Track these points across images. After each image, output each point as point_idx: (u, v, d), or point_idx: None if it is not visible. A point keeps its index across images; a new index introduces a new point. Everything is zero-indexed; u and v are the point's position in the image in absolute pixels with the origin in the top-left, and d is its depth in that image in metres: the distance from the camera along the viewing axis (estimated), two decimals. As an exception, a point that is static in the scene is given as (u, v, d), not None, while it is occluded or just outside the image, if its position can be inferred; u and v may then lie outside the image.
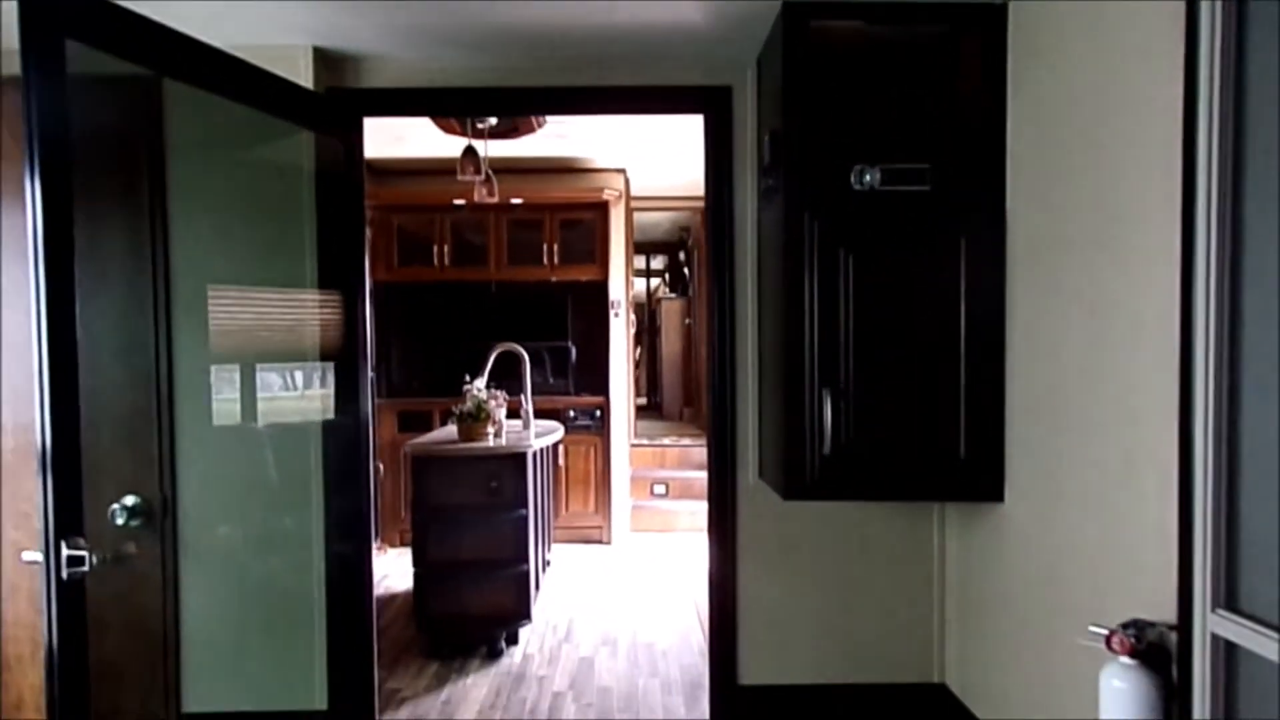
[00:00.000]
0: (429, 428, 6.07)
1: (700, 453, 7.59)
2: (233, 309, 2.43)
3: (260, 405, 2.37)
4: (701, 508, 7.31)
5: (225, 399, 2.37)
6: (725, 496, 2.29)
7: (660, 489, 7.35)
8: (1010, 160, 1.93)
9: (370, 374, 6.21)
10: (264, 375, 2.44)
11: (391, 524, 6.44)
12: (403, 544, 6.32)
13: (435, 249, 6.58)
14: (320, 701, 2.22)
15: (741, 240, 2.35)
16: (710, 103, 2.34)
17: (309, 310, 2.49)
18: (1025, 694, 1.86)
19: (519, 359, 5.03)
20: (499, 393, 4.46)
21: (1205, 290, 1.33)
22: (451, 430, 4.58)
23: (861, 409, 1.92)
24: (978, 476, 1.92)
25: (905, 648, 2.31)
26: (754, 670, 2.30)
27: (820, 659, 2.30)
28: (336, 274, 2.45)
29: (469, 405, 4.38)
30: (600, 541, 6.59)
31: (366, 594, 2.33)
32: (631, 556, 6.26)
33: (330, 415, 2.38)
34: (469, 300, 6.69)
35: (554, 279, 6.66)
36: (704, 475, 7.38)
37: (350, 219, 2.44)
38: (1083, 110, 1.63)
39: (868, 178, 1.94)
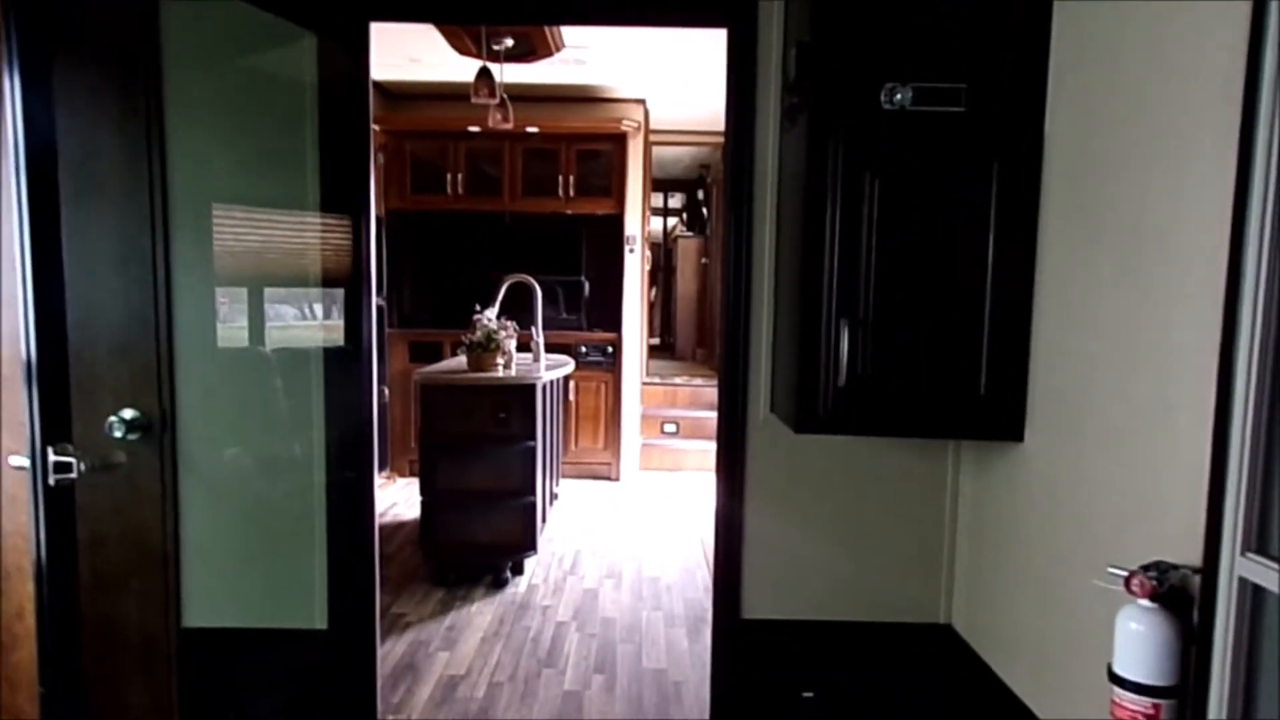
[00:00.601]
0: (439, 358, 6.04)
1: (713, 393, 7.54)
2: (237, 229, 2.36)
3: (265, 329, 2.31)
4: (712, 447, 7.31)
5: (229, 320, 2.32)
6: (735, 430, 2.23)
7: (671, 428, 7.33)
8: (1052, 80, 1.81)
9: (379, 302, 6.17)
10: (269, 298, 2.38)
11: (401, 453, 6.46)
12: (411, 474, 6.35)
13: (449, 177, 6.46)
14: (320, 621, 2.20)
15: (762, 164, 2.24)
16: (734, 14, 2.21)
17: (313, 234, 2.41)
18: (1036, 638, 1.82)
19: (530, 291, 4.95)
20: (509, 324, 4.40)
21: (1260, 218, 1.23)
22: (461, 361, 4.54)
23: (880, 341, 1.83)
24: (998, 414, 1.84)
25: (912, 588, 2.27)
26: (757, 605, 2.27)
27: (825, 596, 2.26)
28: (341, 197, 2.36)
29: (479, 335, 4.33)
30: (608, 478, 6.59)
31: (368, 519, 2.30)
32: (639, 494, 6.27)
33: (335, 342, 2.32)
34: (482, 231, 6.59)
35: (569, 212, 6.54)
36: (715, 415, 7.36)
37: (356, 138, 2.34)
38: (1136, 27, 1.51)
39: (899, 96, 1.82)
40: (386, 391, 5.09)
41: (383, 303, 6.19)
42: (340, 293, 2.48)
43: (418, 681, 3.18)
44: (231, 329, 2.36)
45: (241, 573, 2.21)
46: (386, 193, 6.31)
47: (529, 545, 4.36)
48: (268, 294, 2.43)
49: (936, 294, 1.84)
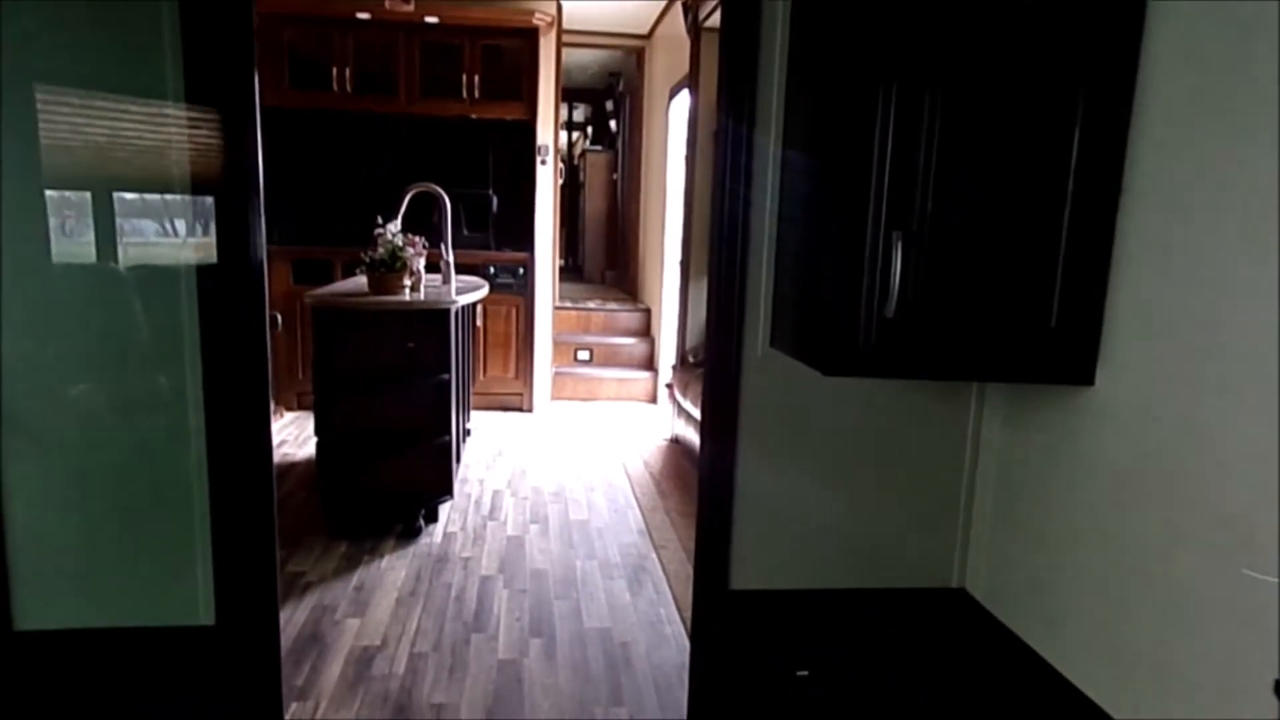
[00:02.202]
0: (329, 279, 5.38)
1: (627, 318, 7.15)
2: (73, 119, 1.77)
3: (119, 242, 1.73)
4: (627, 376, 7.03)
5: (77, 236, 1.74)
6: (728, 369, 1.83)
7: (584, 355, 6.91)
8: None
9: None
10: (122, 206, 1.79)
11: (288, 385, 5.81)
12: (301, 408, 5.73)
13: (334, 71, 5.66)
14: (205, 614, 1.72)
15: (768, 48, 1.79)
16: None
17: (176, 129, 1.82)
18: (1098, 612, 1.53)
19: (437, 203, 4.37)
20: (417, 239, 3.83)
21: None
22: (360, 281, 3.95)
23: (936, 261, 1.46)
24: (1069, 351, 1.51)
25: (922, 549, 1.97)
26: (748, 573, 1.93)
27: (823, 561, 1.94)
28: (213, 87, 1.79)
29: (382, 252, 3.75)
30: (520, 409, 6.15)
31: (264, 479, 1.81)
32: (555, 426, 5.86)
33: (211, 258, 1.77)
34: (375, 135, 5.86)
35: (474, 116, 5.88)
36: (629, 341, 7.00)
37: (231, 12, 1.75)
38: None
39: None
40: (279, 319, 4.43)
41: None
42: (209, 200, 1.92)
43: (324, 657, 2.72)
44: (79, 244, 1.79)
45: (94, 557, 1.69)
46: (261, 85, 5.46)
47: (444, 490, 3.91)
48: (127, 204, 1.85)
49: (1006, 203, 1.47)
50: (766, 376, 1.86)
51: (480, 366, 6.02)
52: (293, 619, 2.96)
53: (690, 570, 3.46)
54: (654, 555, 3.64)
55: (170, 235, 1.77)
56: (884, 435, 1.92)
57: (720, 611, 1.95)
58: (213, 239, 1.76)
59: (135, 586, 1.70)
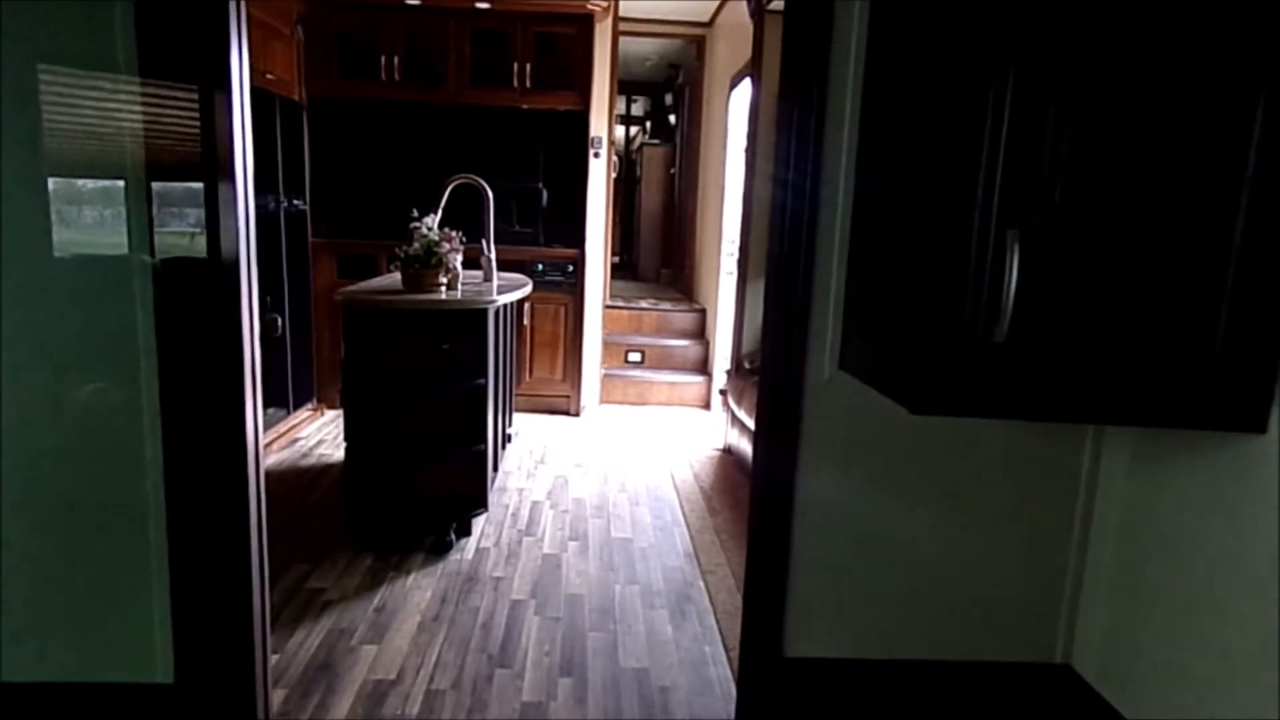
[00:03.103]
0: (374, 273, 5.20)
1: (681, 318, 6.85)
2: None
3: (52, 230, 1.50)
4: (680, 380, 6.69)
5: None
6: (785, 394, 1.52)
7: (635, 356, 6.63)
8: None
9: (300, 206, 5.26)
10: (60, 191, 1.55)
11: (331, 383, 5.64)
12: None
13: (382, 60, 5.47)
14: (162, 671, 1.47)
15: (843, 23, 1.47)
16: None
17: (128, 106, 1.57)
18: (1236, 701, 1.18)
19: (481, 196, 4.12)
20: (454, 234, 3.59)
21: None
22: (396, 278, 3.72)
23: (1061, 267, 1.13)
24: (1232, 388, 1.16)
25: (1019, 616, 1.63)
26: (807, 638, 1.61)
27: (898, 627, 1.61)
28: (179, 58, 1.54)
29: (416, 247, 3.51)
30: (567, 413, 5.89)
31: (237, 508, 1.56)
32: (603, 431, 5.59)
33: (172, 252, 1.53)
34: (423, 126, 5.66)
35: (524, 107, 5.63)
36: (683, 344, 6.67)
37: None
38: None
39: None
40: (280, 321, 4.23)
41: (305, 207, 5.28)
42: (191, 190, 1.68)
43: (334, 690, 2.49)
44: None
45: (36, 604, 1.46)
46: (308, 76, 5.32)
47: (478, 502, 3.66)
48: (70, 191, 1.61)
49: (1159, 204, 1.13)
50: (834, 405, 1.54)
51: (526, 367, 5.79)
52: (306, 643, 2.73)
53: (741, 601, 3.15)
54: (700, 582, 3.33)
55: (112, 225, 1.53)
56: (977, 479, 1.58)
57: (772, 682, 1.64)
58: (183, 229, 1.52)
59: (83, 638, 1.46)
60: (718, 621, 3.01)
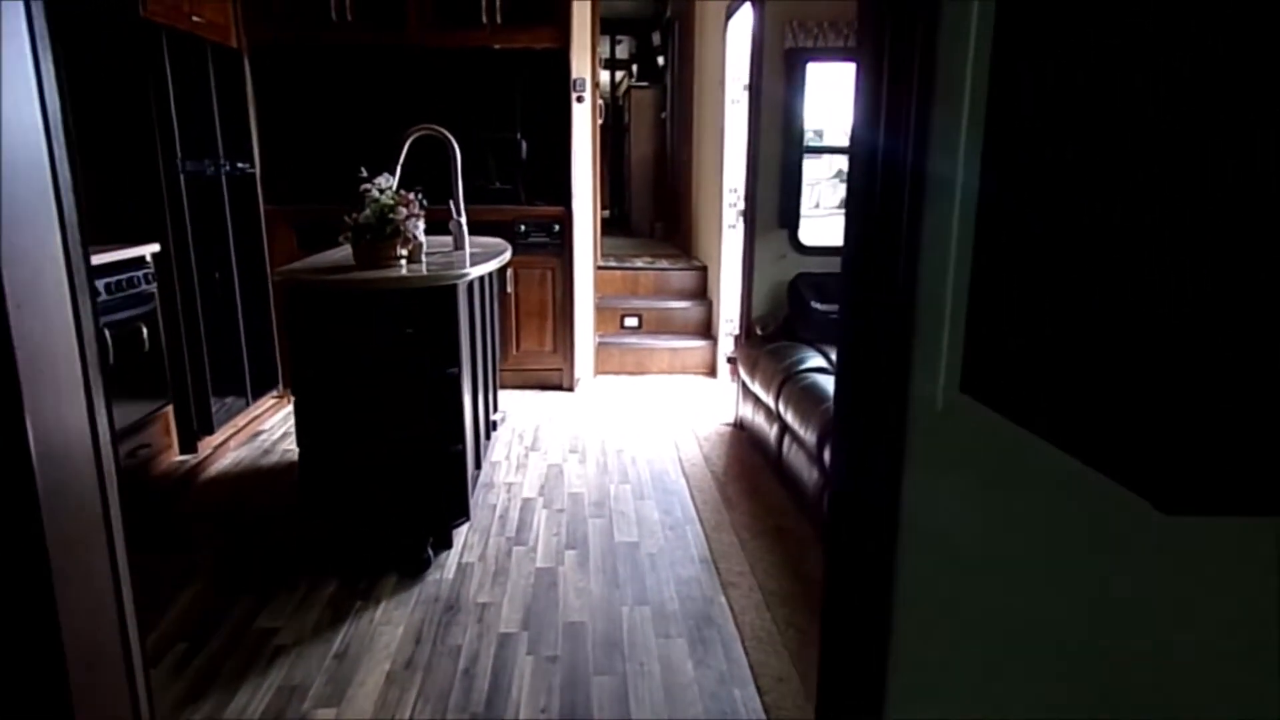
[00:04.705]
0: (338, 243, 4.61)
1: (680, 278, 6.28)
2: None
3: None
4: (682, 345, 6.12)
5: None
6: (879, 425, 0.98)
7: (632, 321, 6.08)
8: None
9: (246, 170, 4.65)
10: None
11: (296, 365, 5.09)
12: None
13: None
14: None
15: None
16: None
17: None
18: None
19: (447, 149, 3.53)
20: (412, 197, 3.01)
21: None
22: (348, 251, 3.15)
23: None
24: None
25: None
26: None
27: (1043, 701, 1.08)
28: None
29: (368, 213, 2.94)
30: (560, 387, 5.36)
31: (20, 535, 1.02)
32: (599, 407, 5.06)
33: None
34: (383, 73, 5.02)
35: (497, 46, 4.99)
36: (684, 305, 6.08)
37: None
38: None
39: None
40: (143, 333, 3.57)
41: (252, 170, 4.66)
42: None
43: (279, 778, 2.00)
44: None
45: None
46: (247, 20, 4.65)
47: (457, 511, 3.14)
48: None
49: None
50: (953, 439, 1.00)
51: (512, 340, 5.24)
52: (249, 708, 2.23)
53: (772, 624, 2.65)
54: (722, 599, 2.84)
55: None
56: (1152, 540, 1.05)
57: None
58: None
59: None
60: (746, 653, 2.51)
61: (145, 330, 3.50)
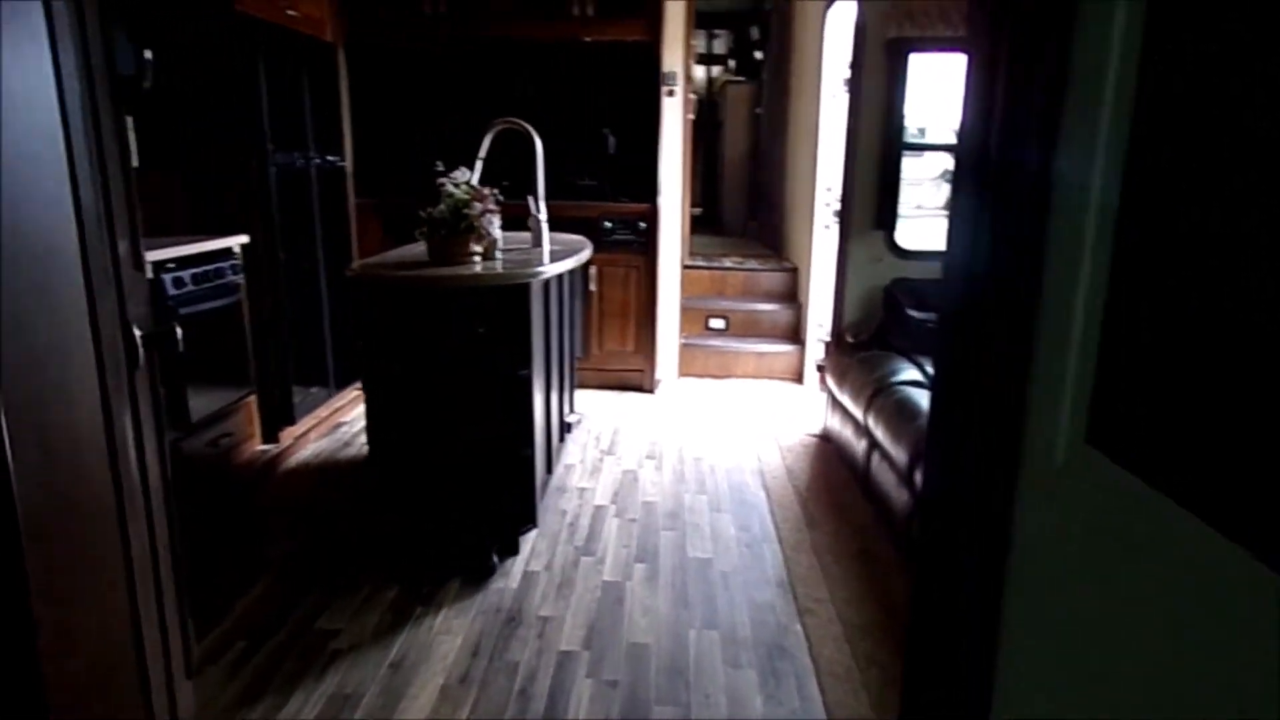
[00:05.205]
0: (420, 238, 4.60)
1: (769, 279, 6.06)
2: None
3: None
4: (769, 349, 5.88)
5: None
6: (982, 483, 0.79)
7: (718, 323, 5.89)
8: None
9: (340, 164, 4.69)
10: None
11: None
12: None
13: (425, -9, 4.79)
14: None
15: None
16: None
17: None
18: None
19: (529, 143, 3.44)
20: (489, 192, 2.92)
21: None
22: (423, 247, 3.09)
23: None
24: None
25: None
26: None
27: None
28: None
29: (442, 208, 2.86)
30: (640, 388, 5.23)
31: None
32: (680, 411, 4.91)
33: None
34: (471, 66, 4.99)
35: (586, 39, 4.88)
36: (773, 308, 5.84)
37: None
38: None
39: None
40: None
41: (343, 164, 4.69)
42: None
43: (322, 794, 1.92)
44: None
45: None
46: (340, 12, 4.68)
47: (524, 518, 3.05)
48: None
49: None
50: (1079, 496, 0.80)
51: (594, 339, 5.13)
52: (299, 718, 2.17)
53: (851, 659, 2.45)
54: (798, 627, 2.64)
55: None
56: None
57: None
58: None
59: None
60: (821, 690, 2.32)
61: (231, 320, 3.53)
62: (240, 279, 3.67)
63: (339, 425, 4.50)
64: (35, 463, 0.93)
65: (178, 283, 3.21)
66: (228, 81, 3.66)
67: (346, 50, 4.76)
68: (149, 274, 3.07)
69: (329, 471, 3.91)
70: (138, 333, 1.26)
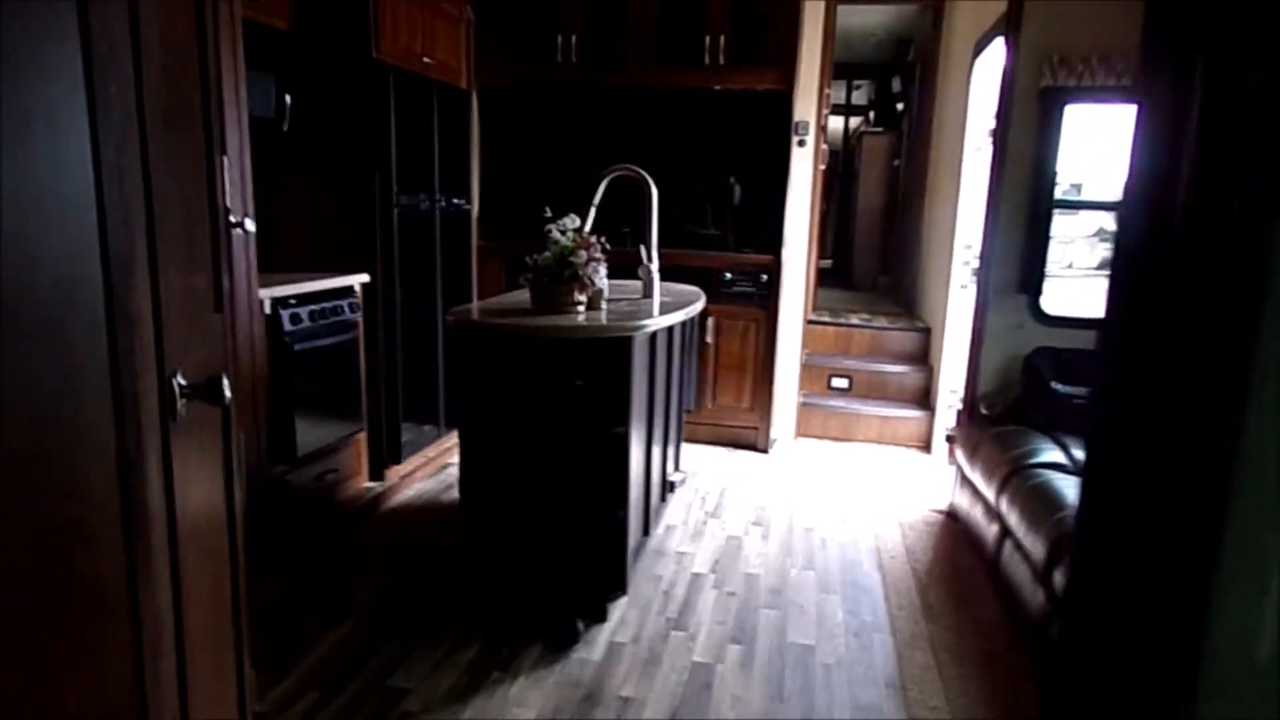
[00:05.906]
0: (537, 282, 4.58)
1: (899, 339, 5.72)
2: None
3: None
4: (894, 413, 5.47)
5: None
6: (1155, 602, 0.55)
7: (841, 382, 5.58)
8: None
9: (464, 206, 4.75)
10: None
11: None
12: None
13: (559, 39, 4.83)
14: None
15: None
16: None
17: None
18: None
19: (645, 190, 3.34)
20: (594, 239, 2.81)
21: None
22: (525, 296, 3.01)
23: None
24: None
25: None
26: None
27: None
28: None
29: (547, 255, 2.78)
30: (754, 447, 4.98)
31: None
32: (794, 475, 4.63)
33: None
34: (601, 111, 4.99)
35: (717, 87, 4.78)
36: (901, 369, 5.46)
37: None
38: None
39: None
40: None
41: (468, 207, 4.75)
42: None
43: None
44: None
45: None
46: (480, 61, 4.77)
47: (613, 585, 2.88)
48: None
49: None
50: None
51: (708, 393, 4.94)
52: (356, 783, 2.06)
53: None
54: (907, 739, 2.34)
55: None
56: None
57: None
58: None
59: None
60: (930, 823, 2.01)
61: (346, 357, 3.58)
62: (358, 317, 3.72)
63: (445, 466, 4.48)
64: (33, 523, 0.85)
65: (294, 319, 3.26)
66: (360, 124, 3.76)
67: (479, 95, 4.85)
68: (266, 309, 3.14)
69: (429, 513, 3.87)
70: (180, 381, 1.19)
